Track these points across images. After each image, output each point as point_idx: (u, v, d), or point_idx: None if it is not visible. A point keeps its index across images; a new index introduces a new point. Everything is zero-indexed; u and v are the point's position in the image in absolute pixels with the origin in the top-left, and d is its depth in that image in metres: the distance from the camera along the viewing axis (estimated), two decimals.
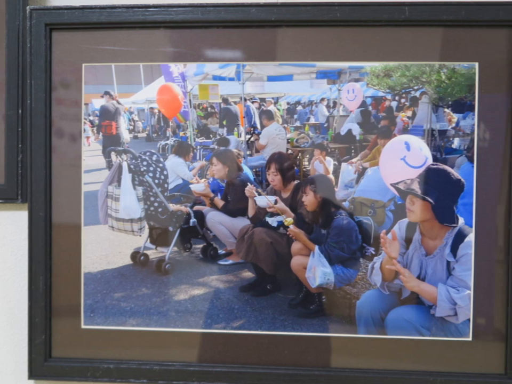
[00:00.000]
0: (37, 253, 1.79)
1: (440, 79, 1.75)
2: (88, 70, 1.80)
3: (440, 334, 1.71)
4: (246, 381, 1.76)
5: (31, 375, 1.82)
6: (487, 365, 1.72)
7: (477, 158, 1.69)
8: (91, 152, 1.91)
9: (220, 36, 1.75)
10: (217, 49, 1.77)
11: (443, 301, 1.68)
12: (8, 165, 1.84)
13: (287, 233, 1.92)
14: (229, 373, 1.76)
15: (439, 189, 1.69)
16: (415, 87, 1.85)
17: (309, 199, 1.93)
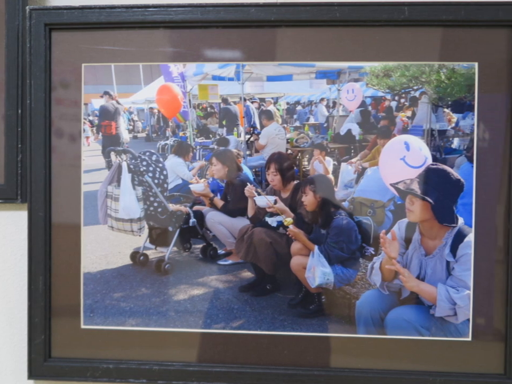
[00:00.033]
0: (36, 253, 1.79)
1: (440, 79, 1.75)
2: (87, 70, 1.80)
3: (440, 334, 1.71)
4: (246, 381, 1.76)
5: (31, 375, 1.82)
6: (486, 365, 1.72)
7: (476, 158, 1.69)
8: (91, 152, 1.91)
9: (219, 36, 1.75)
10: (217, 49, 1.77)
11: (442, 301, 1.68)
12: (8, 165, 1.84)
13: (287, 233, 1.92)
14: (229, 373, 1.76)
15: (438, 189, 1.69)
16: (415, 87, 1.85)
17: (308, 199, 1.93)
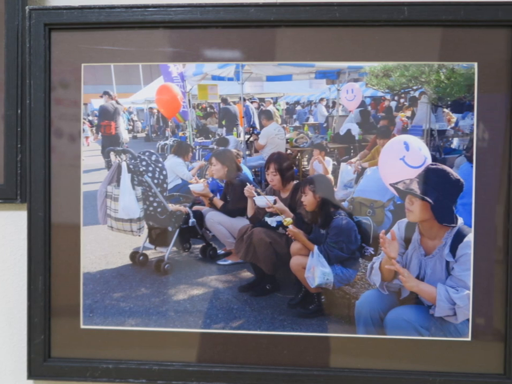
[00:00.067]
0: (36, 253, 1.79)
1: (439, 79, 1.75)
2: (87, 70, 1.80)
3: (439, 334, 1.71)
4: (245, 381, 1.76)
5: (30, 375, 1.82)
6: (486, 365, 1.72)
7: (476, 158, 1.69)
8: (90, 152, 1.91)
9: (219, 36, 1.75)
10: (216, 49, 1.77)
11: (442, 301, 1.68)
12: (7, 165, 1.84)
13: (286, 233, 1.92)
14: (228, 373, 1.76)
15: (438, 189, 1.69)
16: (414, 87, 1.85)
17: (308, 199, 1.93)
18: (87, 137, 1.92)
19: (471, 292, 1.68)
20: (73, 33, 1.78)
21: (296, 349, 1.77)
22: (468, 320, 1.70)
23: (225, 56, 1.79)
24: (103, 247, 1.90)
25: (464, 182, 1.68)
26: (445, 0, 1.66)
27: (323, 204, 1.93)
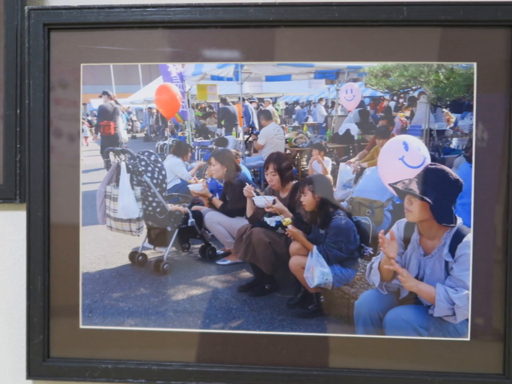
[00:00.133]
0: (35, 253, 1.79)
1: (439, 79, 1.75)
2: (86, 70, 1.80)
3: (439, 334, 1.71)
4: (244, 381, 1.76)
5: (29, 375, 1.82)
6: (485, 365, 1.72)
7: (475, 158, 1.69)
8: (89, 152, 1.91)
9: (218, 36, 1.75)
10: (216, 49, 1.77)
11: (441, 301, 1.68)
12: (7, 165, 1.84)
13: (285, 233, 1.92)
14: (227, 373, 1.76)
15: (437, 189, 1.69)
16: (413, 87, 1.85)
17: (307, 199, 1.93)
18: (86, 137, 1.92)
19: (470, 292, 1.69)
20: (72, 33, 1.78)
21: (295, 349, 1.77)
22: (467, 320, 1.70)
23: (225, 56, 1.79)
24: (102, 247, 1.90)
25: (463, 182, 1.68)
26: (444, 0, 1.66)
27: (322, 204, 1.93)
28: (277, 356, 1.77)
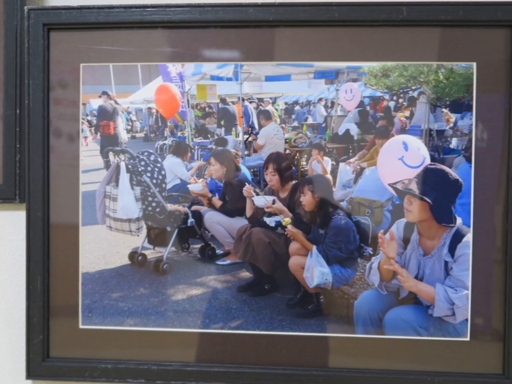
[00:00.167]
0: (34, 253, 1.79)
1: (438, 79, 1.75)
2: (86, 70, 1.80)
3: (438, 334, 1.71)
4: (244, 381, 1.76)
5: (29, 375, 1.82)
6: (485, 365, 1.72)
7: (474, 158, 1.69)
8: (89, 152, 1.91)
9: (218, 36, 1.75)
10: (215, 49, 1.77)
11: (441, 301, 1.68)
12: (6, 165, 1.84)
13: (285, 233, 1.92)
14: (227, 373, 1.76)
15: (437, 189, 1.69)
16: (413, 87, 1.85)
17: (306, 199, 1.93)
18: (85, 137, 1.92)
19: (469, 292, 1.68)
20: (72, 33, 1.78)
21: (295, 349, 1.77)
22: (466, 320, 1.70)
23: (224, 56, 1.79)
24: (102, 247, 1.90)
25: (463, 182, 1.68)
26: (443, 0, 1.66)
27: (322, 204, 1.93)
28: (277, 355, 1.77)
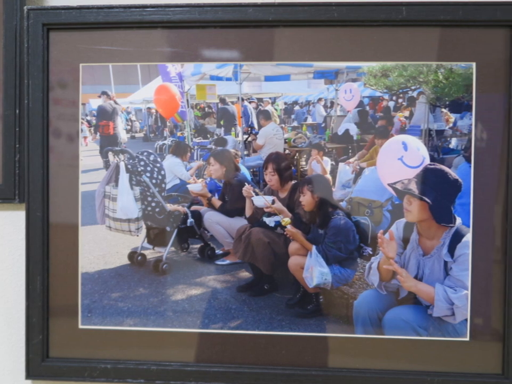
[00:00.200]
0: (34, 253, 1.79)
1: (438, 79, 1.75)
2: (85, 70, 1.80)
3: (438, 334, 1.71)
4: (244, 381, 1.76)
5: (29, 375, 1.82)
6: (484, 365, 1.72)
7: (474, 158, 1.69)
8: (88, 152, 1.91)
9: (217, 36, 1.75)
10: (215, 49, 1.77)
11: (440, 301, 1.68)
12: (6, 165, 1.84)
13: (285, 233, 1.92)
14: (226, 373, 1.76)
15: (436, 189, 1.69)
16: (413, 87, 1.85)
17: (306, 199, 1.93)
18: (85, 137, 1.92)
19: (469, 292, 1.68)
20: (72, 33, 1.78)
21: (294, 349, 1.77)
22: (466, 320, 1.70)
23: (224, 56, 1.79)
24: (101, 247, 1.90)
25: (462, 182, 1.68)
26: (443, 0, 1.66)
27: (321, 204, 1.93)
28: (276, 355, 1.77)
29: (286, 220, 1.93)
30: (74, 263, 1.82)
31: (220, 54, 1.78)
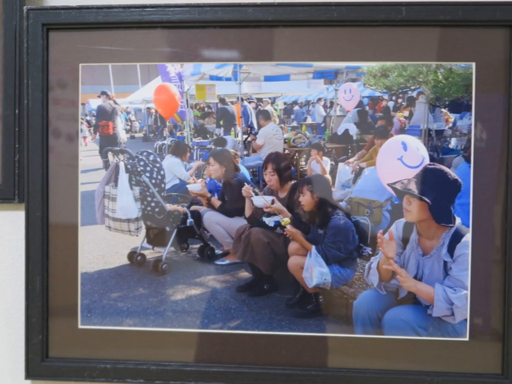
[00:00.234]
0: (33, 253, 1.79)
1: (437, 79, 1.75)
2: (85, 70, 1.80)
3: (437, 334, 1.71)
4: (243, 381, 1.76)
5: (28, 375, 1.82)
6: (484, 365, 1.72)
7: (473, 158, 1.69)
8: (88, 152, 1.91)
9: (217, 36, 1.75)
10: (214, 49, 1.77)
11: (440, 301, 1.68)
12: (5, 165, 1.84)
13: (284, 233, 1.92)
14: (226, 373, 1.76)
15: (436, 189, 1.69)
16: (412, 87, 1.85)
17: (306, 199, 1.93)
18: (85, 137, 1.92)
19: (469, 292, 1.69)
20: (71, 33, 1.78)
21: (294, 349, 1.77)
22: (465, 320, 1.70)
23: (223, 56, 1.79)
24: (101, 247, 1.90)
25: (462, 182, 1.68)
26: (442, 0, 1.66)
27: (321, 204, 1.93)
28: (276, 355, 1.77)
29: (285, 220, 1.93)
30: (74, 263, 1.82)
31: (219, 54, 1.78)
